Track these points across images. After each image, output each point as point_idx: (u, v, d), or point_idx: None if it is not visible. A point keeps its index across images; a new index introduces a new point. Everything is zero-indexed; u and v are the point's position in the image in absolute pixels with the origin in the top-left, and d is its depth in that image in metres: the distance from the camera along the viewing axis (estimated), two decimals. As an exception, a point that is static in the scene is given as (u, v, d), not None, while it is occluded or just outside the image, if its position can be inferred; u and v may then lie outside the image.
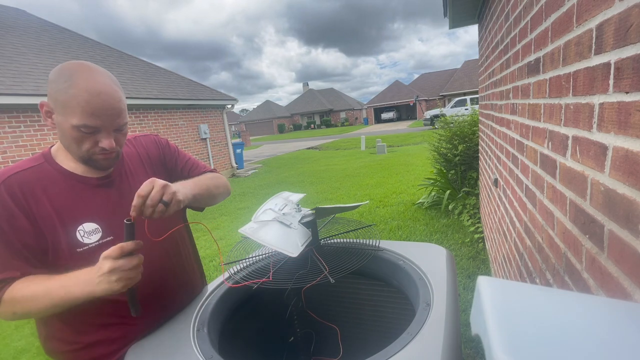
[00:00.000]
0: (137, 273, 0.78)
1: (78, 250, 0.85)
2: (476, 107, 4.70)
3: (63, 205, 0.86)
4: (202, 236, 4.70)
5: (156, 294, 0.98)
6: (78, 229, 0.86)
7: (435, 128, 6.27)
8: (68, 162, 0.90)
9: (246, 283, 1.03)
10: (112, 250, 0.75)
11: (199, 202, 1.05)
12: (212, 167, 1.22)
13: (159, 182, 0.80)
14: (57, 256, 0.84)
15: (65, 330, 0.92)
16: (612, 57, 0.61)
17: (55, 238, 0.83)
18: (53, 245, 0.83)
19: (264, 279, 1.02)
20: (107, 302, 0.87)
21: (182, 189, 0.89)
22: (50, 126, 0.85)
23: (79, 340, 0.92)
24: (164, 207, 0.80)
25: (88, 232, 0.87)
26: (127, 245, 0.76)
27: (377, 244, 1.19)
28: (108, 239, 0.89)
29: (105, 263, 0.75)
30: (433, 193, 4.74)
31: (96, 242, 0.87)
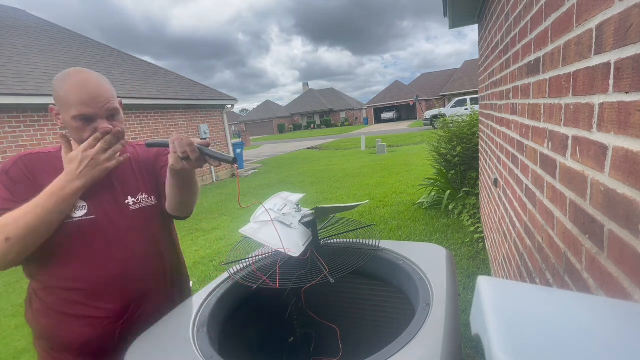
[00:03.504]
0: (109, 156, 0.93)
1: (65, 221, 0.95)
2: (476, 107, 4.70)
3: None
4: (202, 236, 4.71)
5: (121, 282, 1.02)
6: None
7: (435, 128, 6.28)
8: None
9: (246, 283, 1.03)
10: (86, 142, 0.92)
11: (186, 196, 1.10)
12: None
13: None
14: None
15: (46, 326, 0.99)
16: (612, 57, 0.61)
17: None
18: None
19: (264, 279, 1.02)
20: (73, 289, 0.97)
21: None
22: (61, 126, 0.98)
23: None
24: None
25: (76, 207, 0.97)
26: (98, 135, 0.93)
27: (377, 244, 1.19)
28: (90, 217, 0.99)
29: (78, 154, 0.91)
30: (433, 193, 4.74)
31: (80, 217, 0.97)
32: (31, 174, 0.96)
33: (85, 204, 0.99)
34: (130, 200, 1.08)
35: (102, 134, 0.93)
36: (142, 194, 1.11)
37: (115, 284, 1.00)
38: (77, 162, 0.91)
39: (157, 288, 1.11)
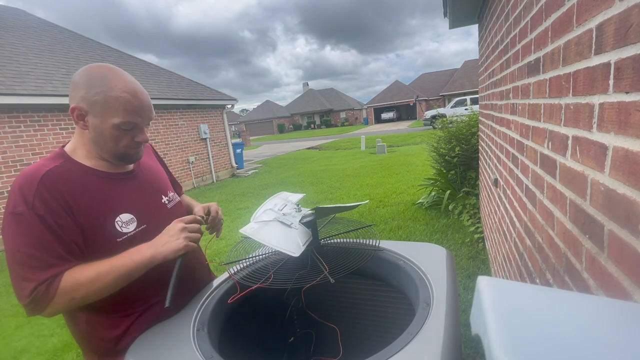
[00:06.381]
0: (197, 237, 0.95)
1: (118, 240, 0.91)
2: (476, 107, 4.70)
3: (97, 199, 0.90)
4: (202, 236, 4.70)
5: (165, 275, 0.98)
6: (116, 220, 0.91)
7: (435, 128, 6.27)
8: (89, 160, 0.94)
9: (246, 283, 1.03)
10: (186, 217, 0.96)
11: None
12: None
13: (213, 205, 1.20)
14: (98, 248, 0.88)
15: (99, 325, 0.94)
16: (612, 57, 0.61)
17: (96, 231, 0.88)
18: (93, 238, 0.87)
19: (264, 280, 1.02)
20: (135, 285, 0.90)
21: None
22: (81, 128, 0.90)
23: (112, 333, 0.94)
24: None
25: (125, 222, 0.93)
26: (197, 218, 0.99)
27: (377, 244, 1.19)
28: (142, 227, 0.96)
29: (177, 224, 0.93)
30: (433, 193, 4.74)
31: (133, 230, 0.94)
32: (64, 202, 0.83)
33: (132, 216, 0.95)
34: (164, 199, 1.09)
35: (203, 217, 1.11)
36: (170, 192, 1.13)
37: (161, 278, 0.96)
38: (178, 228, 0.92)
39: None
